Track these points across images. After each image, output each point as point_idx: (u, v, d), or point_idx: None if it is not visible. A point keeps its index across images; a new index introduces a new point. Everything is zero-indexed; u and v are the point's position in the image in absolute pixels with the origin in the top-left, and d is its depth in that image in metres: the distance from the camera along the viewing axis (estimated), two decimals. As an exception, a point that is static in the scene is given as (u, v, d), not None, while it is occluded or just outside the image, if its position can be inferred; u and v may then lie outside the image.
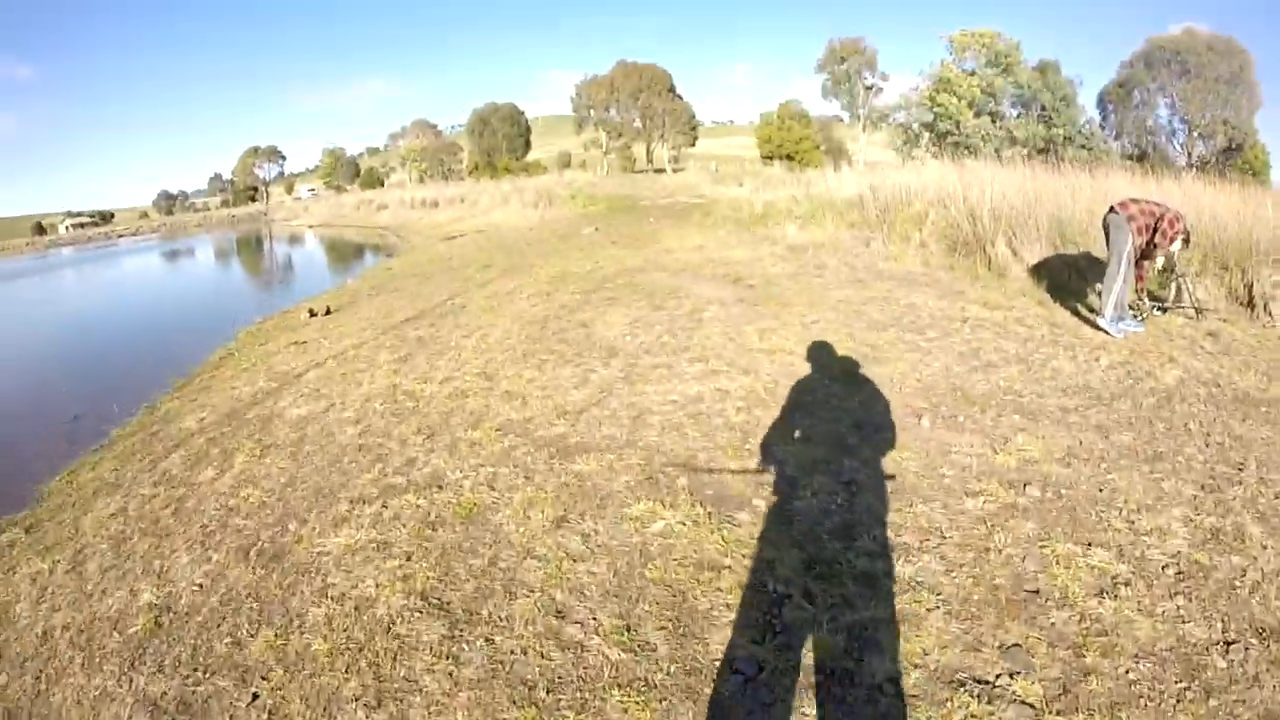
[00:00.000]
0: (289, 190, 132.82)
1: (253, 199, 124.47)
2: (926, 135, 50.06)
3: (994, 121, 47.71)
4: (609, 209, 28.20)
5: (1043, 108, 47.86)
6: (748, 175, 37.31)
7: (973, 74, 47.67)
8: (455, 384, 6.92)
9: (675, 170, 69.59)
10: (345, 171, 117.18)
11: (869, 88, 63.46)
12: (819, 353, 7.07)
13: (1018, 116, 48.65)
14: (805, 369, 6.60)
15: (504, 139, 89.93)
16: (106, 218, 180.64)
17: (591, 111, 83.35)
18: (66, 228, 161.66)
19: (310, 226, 57.50)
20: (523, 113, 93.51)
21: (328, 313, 13.09)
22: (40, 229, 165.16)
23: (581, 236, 19.78)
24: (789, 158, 60.83)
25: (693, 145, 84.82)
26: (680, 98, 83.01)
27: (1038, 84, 47.49)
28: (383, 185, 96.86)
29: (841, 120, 73.88)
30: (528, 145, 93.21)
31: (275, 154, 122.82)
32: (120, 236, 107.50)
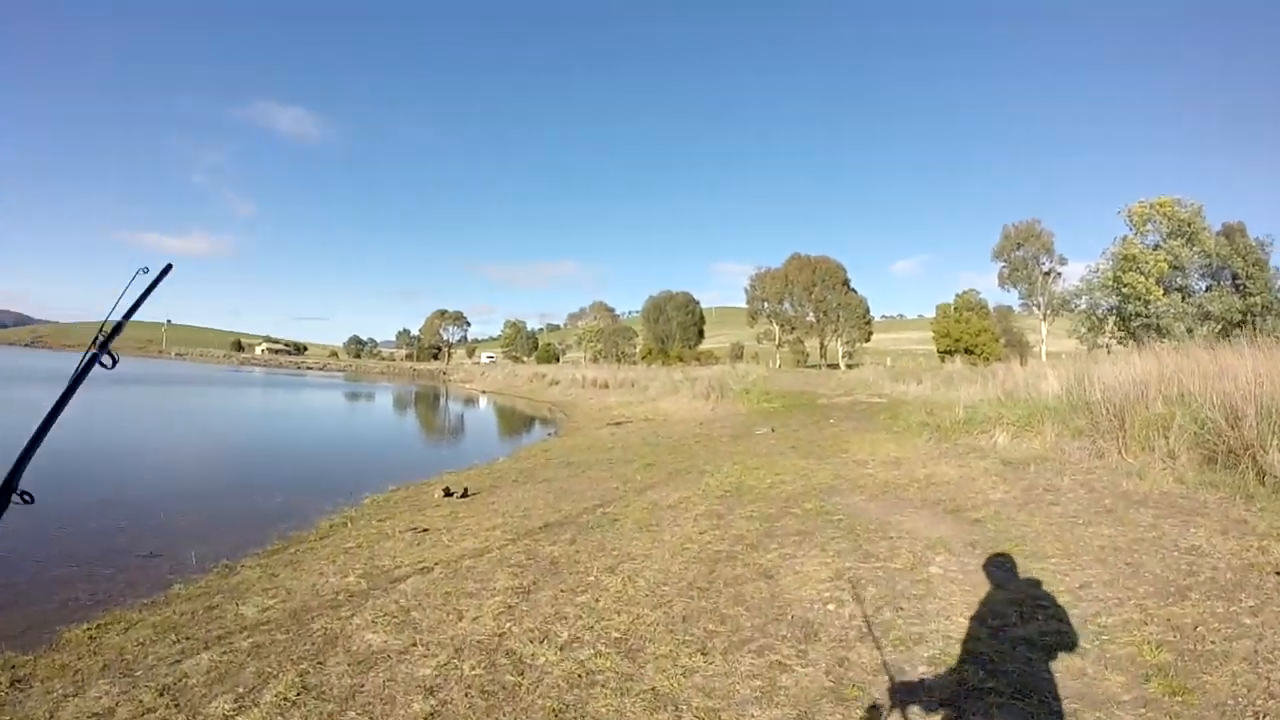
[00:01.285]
0: (470, 354, 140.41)
1: (435, 357, 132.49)
2: (1111, 319, 46.04)
3: (1184, 297, 43.44)
4: (784, 406, 26.17)
5: (1234, 276, 43.87)
6: (926, 371, 34.64)
7: (1157, 248, 43.64)
8: (580, 655, 4.95)
9: (849, 366, 67.52)
10: (524, 343, 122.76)
11: (1047, 273, 59.74)
12: (1113, 647, 4.67)
13: (1208, 289, 44.32)
14: (1106, 682, 4.18)
15: (678, 326, 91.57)
16: (300, 349, 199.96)
17: (765, 304, 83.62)
18: (262, 350, 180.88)
19: (484, 391, 59.23)
20: (697, 302, 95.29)
21: (464, 495, 11.70)
22: (239, 346, 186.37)
23: (756, 437, 17.89)
24: (968, 351, 57.66)
25: (867, 340, 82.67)
26: (854, 291, 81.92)
27: (1225, 250, 43.60)
28: (557, 360, 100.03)
29: (1014, 309, 69.99)
30: (700, 334, 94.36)
31: (461, 319, 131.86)
32: (309, 368, 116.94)
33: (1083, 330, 48.13)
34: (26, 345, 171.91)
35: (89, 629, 6.21)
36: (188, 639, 5.74)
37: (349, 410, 40.11)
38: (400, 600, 6.25)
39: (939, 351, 65.03)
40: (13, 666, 5.39)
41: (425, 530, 9.06)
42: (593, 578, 6.69)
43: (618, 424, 26.37)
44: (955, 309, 67.61)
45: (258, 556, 8.59)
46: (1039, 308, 60.33)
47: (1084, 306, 49.10)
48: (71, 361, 1.81)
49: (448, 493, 11.79)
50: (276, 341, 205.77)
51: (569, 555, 7.48)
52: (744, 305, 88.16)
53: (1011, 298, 65.18)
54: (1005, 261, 61.58)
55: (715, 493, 10.60)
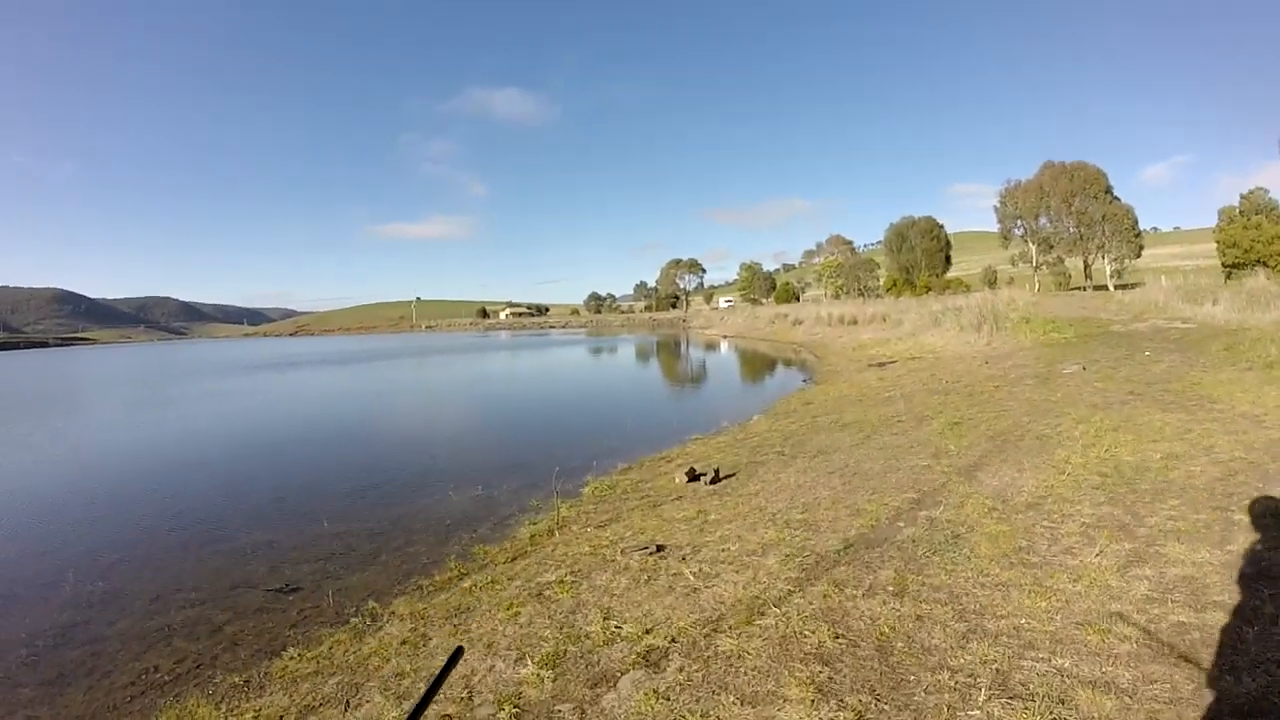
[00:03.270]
0: (708, 300, 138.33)
1: (673, 305, 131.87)
2: None
3: None
4: (1077, 336, 20.93)
5: None
6: (1220, 289, 27.53)
7: None
8: None
9: (1118, 286, 57.74)
10: (761, 285, 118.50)
11: None
12: None
13: None
14: None
15: (923, 254, 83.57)
16: (542, 310, 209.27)
17: (1019, 221, 73.30)
18: (506, 315, 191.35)
19: (724, 336, 56.58)
20: (941, 226, 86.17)
21: (715, 479, 8.59)
22: (484, 313, 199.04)
23: (1067, 378, 13.53)
24: (1259, 263, 46.32)
25: (1137, 255, 69.95)
26: (1118, 200, 69.46)
27: None
28: (797, 299, 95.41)
29: None
30: (948, 261, 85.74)
31: (696, 266, 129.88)
32: (551, 328, 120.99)
33: None
34: (291, 335, 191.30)
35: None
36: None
37: (586, 366, 38.57)
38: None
39: (1225, 265, 53.36)
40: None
41: (660, 550, 6.00)
42: (977, 711, 3.28)
43: (881, 365, 22.52)
44: (1242, 213, 55.22)
45: (419, 595, 5.99)
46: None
47: None
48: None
49: (693, 476, 8.77)
50: (519, 306, 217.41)
51: (905, 628, 4.06)
52: (982, 229, 79.16)
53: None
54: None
55: (1086, 478, 6.80)
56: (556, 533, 7.22)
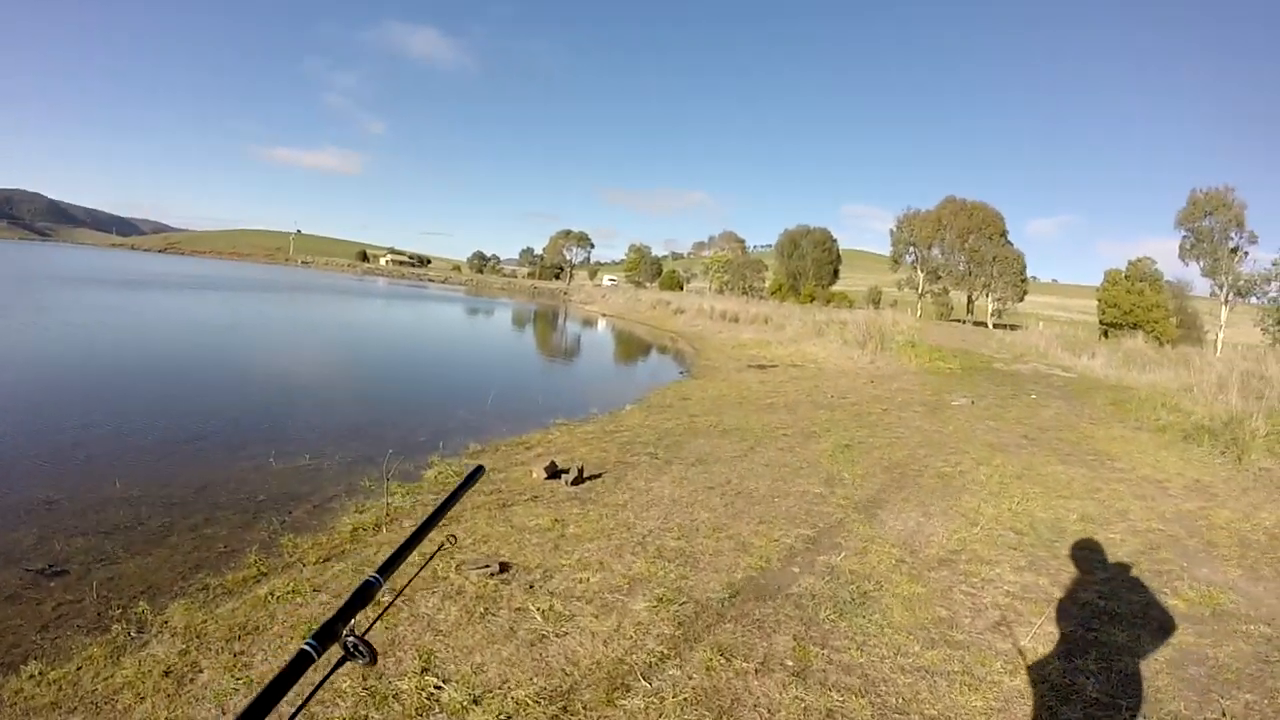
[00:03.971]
0: (592, 276, 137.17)
1: (557, 276, 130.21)
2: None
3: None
4: (963, 369, 21.01)
5: None
6: (1098, 345, 28.78)
7: None
8: None
9: (996, 325, 60.60)
10: (647, 269, 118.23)
11: (1233, 250, 50.29)
12: None
13: None
14: None
15: (813, 263, 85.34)
16: (423, 262, 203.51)
17: (913, 248, 76.01)
18: (387, 261, 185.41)
19: (604, 314, 55.71)
20: (834, 239, 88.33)
21: (578, 480, 7.53)
22: (364, 256, 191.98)
23: (955, 410, 13.32)
24: (1134, 326, 49.36)
25: (1020, 300, 74.01)
26: (1011, 244, 73.48)
27: None
28: (681, 289, 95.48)
29: (1189, 287, 59.80)
30: (836, 274, 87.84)
31: (585, 240, 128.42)
32: (431, 281, 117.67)
33: (1269, 322, 42.94)
34: (160, 251, 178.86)
35: None
36: None
37: (457, 327, 36.88)
38: None
39: (1102, 323, 56.72)
40: None
41: (504, 570, 4.94)
42: None
43: (762, 367, 22.06)
44: (1127, 278, 58.72)
45: (202, 599, 4.73)
46: (1222, 289, 51.31)
47: (1276, 295, 43.93)
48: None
49: (553, 472, 7.71)
50: (401, 254, 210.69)
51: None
52: (869, 249, 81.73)
53: (1189, 273, 56.19)
54: (1189, 231, 52.35)
55: (1001, 534, 6.21)
56: (384, 528, 6.03)
